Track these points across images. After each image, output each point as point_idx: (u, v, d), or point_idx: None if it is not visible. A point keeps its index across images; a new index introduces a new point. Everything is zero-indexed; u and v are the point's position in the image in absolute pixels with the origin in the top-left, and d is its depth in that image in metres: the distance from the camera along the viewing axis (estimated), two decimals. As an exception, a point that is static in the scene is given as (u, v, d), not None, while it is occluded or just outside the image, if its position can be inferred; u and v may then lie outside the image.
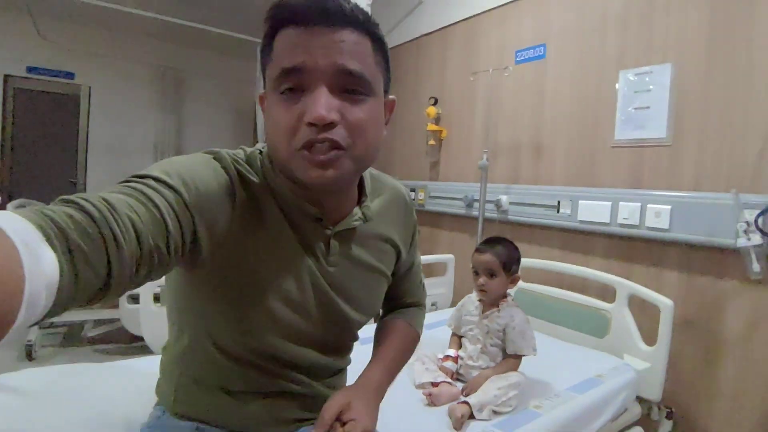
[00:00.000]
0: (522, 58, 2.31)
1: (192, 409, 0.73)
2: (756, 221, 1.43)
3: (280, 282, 0.64)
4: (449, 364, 1.42)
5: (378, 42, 0.60)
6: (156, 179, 0.49)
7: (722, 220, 1.54)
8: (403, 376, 1.39)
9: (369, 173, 0.77)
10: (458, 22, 2.69)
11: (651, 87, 1.80)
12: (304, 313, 0.68)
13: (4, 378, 1.07)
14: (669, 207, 1.68)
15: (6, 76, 3.97)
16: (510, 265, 1.40)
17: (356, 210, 0.70)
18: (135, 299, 2.55)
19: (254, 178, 0.62)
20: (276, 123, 0.56)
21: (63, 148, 4.28)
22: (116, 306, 2.50)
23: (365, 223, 0.72)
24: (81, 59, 4.18)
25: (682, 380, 1.67)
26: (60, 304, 0.36)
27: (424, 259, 1.80)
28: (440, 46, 2.84)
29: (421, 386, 1.34)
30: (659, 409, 1.60)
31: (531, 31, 2.29)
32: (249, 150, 0.66)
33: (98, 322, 2.68)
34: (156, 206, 0.46)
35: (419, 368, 1.41)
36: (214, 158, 0.59)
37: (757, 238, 1.42)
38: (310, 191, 0.62)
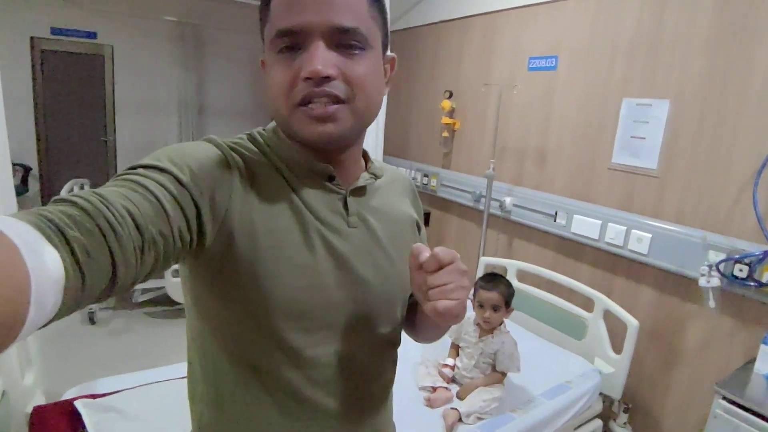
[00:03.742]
0: (534, 65, 2.39)
1: None
2: (718, 266, 1.65)
3: (290, 253, 0.58)
4: (447, 371, 1.75)
5: None
6: (146, 167, 0.50)
7: (693, 255, 1.76)
8: (408, 377, 1.74)
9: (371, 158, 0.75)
10: (477, 15, 2.71)
11: (648, 120, 1.93)
12: (320, 283, 0.60)
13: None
14: (650, 236, 1.90)
15: (32, 38, 4.07)
16: (509, 301, 1.70)
17: (365, 174, 0.68)
18: (178, 272, 2.92)
19: (254, 150, 0.61)
20: (274, 81, 0.57)
21: (92, 107, 4.47)
22: (162, 276, 2.87)
23: (377, 192, 0.70)
24: (102, 18, 4.23)
25: (643, 379, 2.00)
26: (70, 301, 0.36)
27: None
28: (458, 37, 2.88)
29: (423, 389, 1.69)
30: (619, 403, 1.94)
31: (544, 41, 2.35)
32: (252, 131, 0.66)
33: (145, 290, 3.07)
34: (150, 191, 0.47)
35: (422, 371, 1.75)
36: (205, 140, 0.59)
37: (716, 281, 1.65)
38: (315, 151, 0.61)
